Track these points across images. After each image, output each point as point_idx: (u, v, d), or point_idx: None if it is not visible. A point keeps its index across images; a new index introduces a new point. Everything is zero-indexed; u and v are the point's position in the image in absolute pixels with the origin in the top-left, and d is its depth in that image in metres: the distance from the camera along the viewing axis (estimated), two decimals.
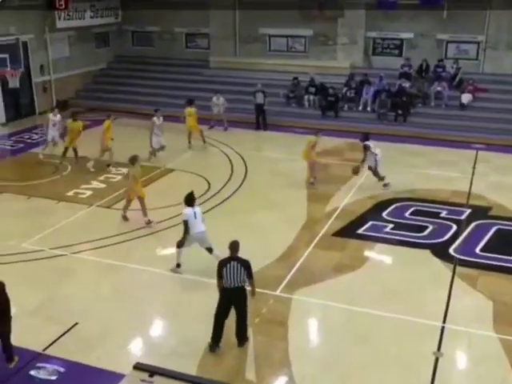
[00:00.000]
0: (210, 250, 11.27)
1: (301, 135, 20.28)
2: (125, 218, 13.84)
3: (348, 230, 13.42)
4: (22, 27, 22.53)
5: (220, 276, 8.84)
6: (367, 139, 15.86)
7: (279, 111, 23.20)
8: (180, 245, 11.29)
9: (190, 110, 19.74)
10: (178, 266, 11.46)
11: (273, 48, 26.59)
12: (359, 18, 24.60)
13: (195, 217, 11.01)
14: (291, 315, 10.11)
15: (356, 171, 15.88)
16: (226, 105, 21.94)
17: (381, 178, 15.86)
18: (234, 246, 8.91)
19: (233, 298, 8.93)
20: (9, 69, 20.75)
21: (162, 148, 18.14)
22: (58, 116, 18.55)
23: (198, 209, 11.19)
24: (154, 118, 18.09)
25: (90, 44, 27.51)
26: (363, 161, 15.78)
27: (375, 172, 15.88)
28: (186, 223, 11.02)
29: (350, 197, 15.35)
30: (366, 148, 15.64)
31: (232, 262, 8.78)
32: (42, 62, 24.62)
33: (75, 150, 17.70)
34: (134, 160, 13.64)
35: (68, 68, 25.95)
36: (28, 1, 22.64)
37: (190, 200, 11.13)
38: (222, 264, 8.83)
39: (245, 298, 9.01)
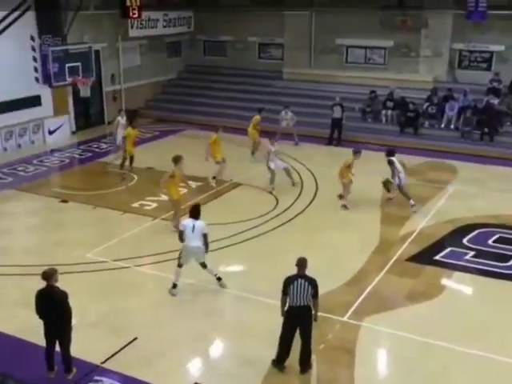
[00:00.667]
0: (203, 265, 11.50)
1: (376, 152, 20.10)
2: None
3: (424, 256, 13.18)
4: (95, 36, 23.53)
5: (285, 293, 8.89)
6: (392, 154, 15.84)
7: (354, 126, 23.09)
8: (180, 264, 11.43)
9: (256, 117, 20.24)
10: (174, 286, 11.51)
11: (350, 60, 26.54)
12: (445, 29, 24.27)
13: (193, 230, 11.12)
14: (359, 343, 10.01)
15: (387, 188, 16.02)
16: (296, 119, 22.05)
17: (408, 197, 15.61)
18: (302, 263, 8.93)
19: (298, 318, 8.94)
20: (81, 77, 21.74)
21: (288, 172, 17.47)
22: (124, 118, 19.55)
23: (199, 223, 11.21)
24: (269, 146, 17.25)
25: (162, 53, 28.34)
26: (392, 177, 15.77)
27: (401, 190, 15.69)
28: (181, 233, 11.24)
29: (427, 220, 15.09)
30: (391, 163, 15.63)
31: (299, 280, 8.81)
32: (113, 70, 25.56)
33: (131, 158, 18.34)
34: (177, 159, 14.19)
35: (138, 77, 26.81)
36: (102, 10, 23.59)
37: (193, 212, 11.29)
38: (289, 281, 8.86)
39: (310, 318, 9.01)
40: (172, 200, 14.34)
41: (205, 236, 11.25)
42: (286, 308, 9.01)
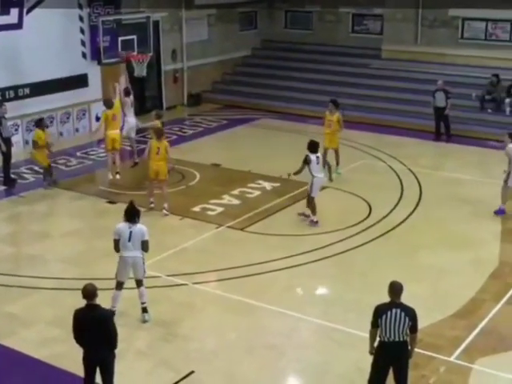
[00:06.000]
0: (139, 283, 11.23)
1: (498, 151, 19.58)
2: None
3: None
4: (154, 3, 23.90)
5: (375, 326, 8.74)
6: None
7: (469, 118, 22.71)
8: (117, 282, 11.20)
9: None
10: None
11: (466, 35, 26.05)
12: None
13: (129, 239, 10.90)
14: None
15: None
16: None
17: None
18: (396, 289, 8.76)
19: (392, 357, 8.77)
20: (136, 53, 21.98)
21: None
22: None
23: (137, 229, 10.98)
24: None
25: (233, 25, 28.58)
26: None
27: None
28: (115, 242, 11.00)
29: None
30: None
31: (394, 310, 8.64)
32: (174, 45, 25.96)
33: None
34: (39, 123, 17.51)
35: (204, 54, 27.12)
36: None
37: (129, 214, 11.08)
38: (380, 311, 8.71)
39: (407, 358, 8.83)
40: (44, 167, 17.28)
41: (144, 243, 11.02)
42: (376, 344, 8.86)
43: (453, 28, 26.12)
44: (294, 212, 15.90)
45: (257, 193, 17.16)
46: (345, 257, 13.76)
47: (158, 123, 17.59)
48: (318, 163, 14.94)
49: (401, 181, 18.13)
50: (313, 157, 14.82)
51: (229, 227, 15.23)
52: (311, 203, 15.08)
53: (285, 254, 13.64)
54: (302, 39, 29.01)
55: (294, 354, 10.69)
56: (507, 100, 22.84)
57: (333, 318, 11.44)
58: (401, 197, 17.05)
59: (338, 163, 18.42)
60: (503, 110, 22.96)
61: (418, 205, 16.51)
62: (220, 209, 16.22)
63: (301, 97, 25.41)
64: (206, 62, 27.20)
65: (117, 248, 11.05)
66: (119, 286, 11.22)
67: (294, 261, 13.45)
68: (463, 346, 10.75)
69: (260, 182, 17.78)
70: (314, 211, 15.08)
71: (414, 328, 8.71)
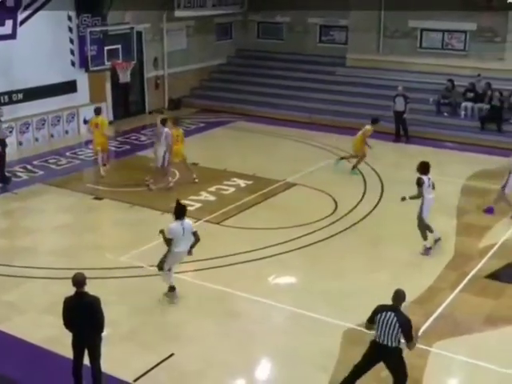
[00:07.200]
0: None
1: (453, 151, 19.75)
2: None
3: (508, 273, 12.82)
4: (137, 15, 23.72)
5: (370, 321, 8.69)
6: None
7: (427, 121, 22.74)
8: (161, 266, 11.41)
9: (367, 128, 18.57)
10: (172, 289, 11.53)
11: (424, 45, 26.10)
12: None
13: (183, 233, 11.08)
14: (427, 371, 9.77)
15: None
16: None
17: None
18: (397, 296, 8.66)
19: (383, 357, 8.65)
20: (121, 61, 21.98)
21: None
22: None
23: (186, 223, 11.20)
24: None
25: (210, 36, 28.45)
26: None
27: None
28: (170, 242, 11.11)
29: None
30: None
31: (389, 312, 8.50)
32: (156, 54, 25.79)
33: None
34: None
35: (184, 62, 26.96)
36: None
37: (179, 212, 11.20)
38: (378, 310, 8.63)
39: (399, 360, 8.61)
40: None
41: (195, 234, 11.33)
42: (372, 338, 8.72)
43: (412, 38, 26.14)
44: (265, 207, 15.91)
45: (232, 190, 17.10)
46: (313, 248, 13.74)
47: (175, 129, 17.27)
48: (429, 185, 13.45)
49: (364, 179, 18.15)
50: (425, 178, 13.43)
51: (206, 221, 15.15)
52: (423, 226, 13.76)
53: (258, 246, 13.60)
54: (273, 48, 28.96)
55: (266, 340, 10.66)
56: (462, 104, 22.93)
57: (303, 306, 11.40)
58: (364, 193, 17.07)
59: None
60: (458, 114, 23.08)
61: (380, 201, 16.54)
62: (198, 204, 16.13)
63: (272, 101, 25.35)
64: (185, 70, 27.05)
65: (169, 245, 11.14)
66: (162, 268, 11.45)
67: (266, 252, 13.41)
68: (421, 330, 10.63)
69: (235, 179, 17.74)
70: (425, 237, 13.69)
71: (407, 337, 8.49)
